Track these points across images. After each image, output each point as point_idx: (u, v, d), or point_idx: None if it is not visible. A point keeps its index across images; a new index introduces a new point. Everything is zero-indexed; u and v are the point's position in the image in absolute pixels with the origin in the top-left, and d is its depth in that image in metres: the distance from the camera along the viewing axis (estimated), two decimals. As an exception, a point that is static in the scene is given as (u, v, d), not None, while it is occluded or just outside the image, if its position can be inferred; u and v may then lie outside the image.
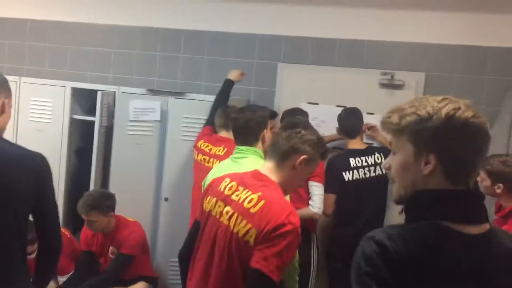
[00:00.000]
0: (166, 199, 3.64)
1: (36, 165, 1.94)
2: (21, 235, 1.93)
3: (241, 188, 1.73)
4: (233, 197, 1.73)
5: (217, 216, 1.75)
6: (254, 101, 3.96)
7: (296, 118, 2.20)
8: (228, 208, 1.72)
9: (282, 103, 3.85)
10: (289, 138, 1.80)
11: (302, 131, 1.81)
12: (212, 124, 3.29)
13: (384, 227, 1.14)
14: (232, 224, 1.68)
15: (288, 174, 1.78)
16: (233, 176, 1.84)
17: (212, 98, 3.49)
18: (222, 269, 1.68)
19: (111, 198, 3.24)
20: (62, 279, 3.39)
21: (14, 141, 3.74)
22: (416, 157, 1.12)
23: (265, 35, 3.97)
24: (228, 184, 1.80)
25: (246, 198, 1.69)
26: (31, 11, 4.32)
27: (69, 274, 3.37)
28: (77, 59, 4.27)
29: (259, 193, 1.67)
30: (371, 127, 3.61)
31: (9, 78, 3.80)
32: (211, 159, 3.09)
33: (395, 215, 1.83)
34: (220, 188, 1.81)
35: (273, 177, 1.77)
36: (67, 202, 3.83)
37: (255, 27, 3.97)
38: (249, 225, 1.62)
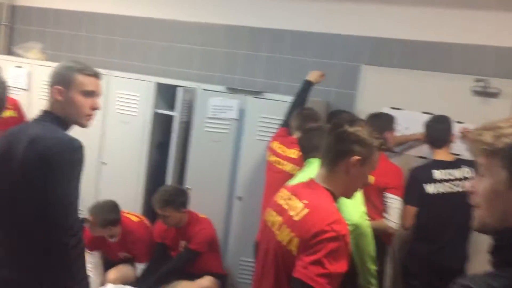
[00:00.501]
0: (239, 198, 3.65)
1: (46, 148, 1.80)
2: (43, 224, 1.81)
3: (292, 197, 1.66)
4: (284, 206, 1.67)
5: (271, 226, 1.70)
6: (334, 104, 3.84)
7: (338, 117, 2.03)
8: (279, 218, 1.66)
9: (364, 106, 3.70)
10: (335, 141, 1.63)
11: (347, 130, 1.62)
12: (288, 126, 3.23)
13: (484, 275, 0.95)
14: (278, 233, 1.62)
15: (344, 180, 1.63)
16: (289, 186, 1.78)
17: (290, 98, 3.43)
18: (271, 280, 1.62)
19: (185, 194, 3.31)
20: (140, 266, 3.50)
21: (100, 131, 4.02)
22: (510, 186, 0.97)
23: (349, 35, 3.84)
24: (283, 194, 1.73)
25: (293, 206, 1.61)
26: (122, 7, 4.52)
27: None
28: (163, 55, 4.40)
29: (305, 201, 1.58)
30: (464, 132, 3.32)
31: (100, 71, 4.07)
32: (284, 161, 3.03)
33: (482, 238, 1.61)
34: (277, 199, 1.75)
35: (327, 184, 1.63)
36: (146, 194, 3.96)
37: (338, 27, 3.85)
38: (292, 234, 1.53)
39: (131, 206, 3.88)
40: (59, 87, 1.91)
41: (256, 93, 3.65)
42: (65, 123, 1.93)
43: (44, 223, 1.80)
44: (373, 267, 2.23)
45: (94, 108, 1.96)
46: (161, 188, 3.37)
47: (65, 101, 1.91)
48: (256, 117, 3.56)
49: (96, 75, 1.97)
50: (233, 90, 3.70)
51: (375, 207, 2.84)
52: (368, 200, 2.42)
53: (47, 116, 1.93)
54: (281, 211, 1.68)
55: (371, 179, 2.89)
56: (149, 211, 3.99)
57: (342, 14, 3.85)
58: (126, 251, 3.45)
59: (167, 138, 3.87)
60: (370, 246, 2.22)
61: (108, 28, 4.58)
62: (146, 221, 3.61)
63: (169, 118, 3.82)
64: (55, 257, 1.82)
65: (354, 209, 2.13)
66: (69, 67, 1.95)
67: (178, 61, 4.34)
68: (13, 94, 3.88)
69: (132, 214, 3.55)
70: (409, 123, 3.58)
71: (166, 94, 3.93)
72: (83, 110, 1.93)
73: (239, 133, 3.62)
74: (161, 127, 3.99)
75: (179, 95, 3.70)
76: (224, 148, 3.65)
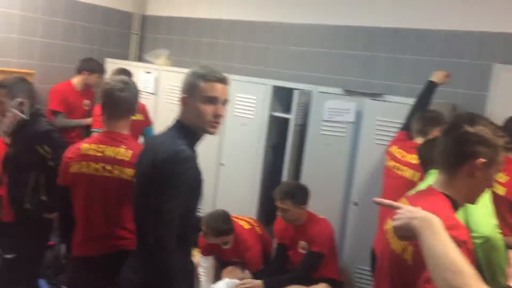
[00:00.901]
0: (355, 204, 3.53)
1: (157, 160, 1.85)
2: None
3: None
4: None
5: (386, 234, 1.61)
6: (461, 106, 3.55)
7: (455, 117, 1.79)
8: None
9: (496, 109, 3.37)
10: (455, 144, 1.48)
11: (468, 130, 1.46)
12: (409, 129, 3.05)
13: None
14: (392, 241, 1.52)
15: (467, 184, 1.48)
16: (409, 195, 1.66)
17: (412, 101, 3.24)
18: None
19: (306, 191, 3.29)
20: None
21: (221, 134, 4.16)
22: None
23: (481, 32, 3.52)
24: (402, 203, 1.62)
25: None
26: (242, 12, 4.64)
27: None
28: (280, 58, 4.43)
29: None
30: None
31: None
32: (403, 167, 2.87)
33: None
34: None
35: (447, 190, 1.49)
36: (262, 194, 4.01)
37: (467, 23, 3.55)
38: (405, 242, 1.42)
39: (247, 206, 3.96)
40: (184, 95, 1.92)
41: (375, 95, 3.51)
42: (192, 132, 1.93)
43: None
44: (503, 280, 2.03)
45: (218, 115, 1.90)
46: (284, 181, 3.40)
47: (189, 109, 1.91)
48: (374, 120, 3.42)
49: (220, 81, 1.91)
50: (350, 92, 3.60)
51: (505, 221, 2.56)
52: (497, 214, 2.18)
53: (176, 124, 1.96)
54: None
55: (502, 190, 2.61)
56: (265, 212, 4.05)
57: (469, 9, 3.55)
58: (238, 258, 3.51)
59: (282, 141, 3.88)
60: (503, 260, 2.04)
61: (229, 33, 4.73)
62: (257, 226, 3.63)
63: (285, 121, 3.83)
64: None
65: (485, 221, 1.96)
66: (193, 73, 1.93)
67: (294, 64, 4.34)
68: (142, 98, 4.17)
69: (244, 220, 3.59)
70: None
71: (282, 97, 3.95)
72: (205, 118, 1.88)
73: (356, 136, 3.50)
74: (277, 129, 4.02)
75: (295, 98, 3.69)
76: (340, 152, 3.56)
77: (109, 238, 2.34)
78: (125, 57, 5.22)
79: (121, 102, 2.35)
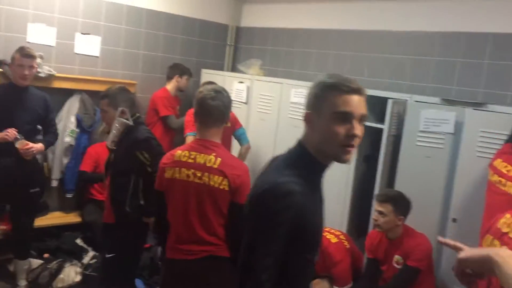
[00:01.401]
0: (454, 220, 3.31)
1: (254, 195, 1.54)
2: None
3: None
4: (505, 230, 1.41)
5: None
6: None
7: None
8: (496, 242, 1.41)
9: None
10: None
11: None
12: (516, 142, 2.80)
13: None
14: None
15: None
16: None
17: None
18: None
19: (408, 203, 3.17)
20: None
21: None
22: None
23: None
24: (506, 220, 1.47)
25: None
26: (334, 21, 4.59)
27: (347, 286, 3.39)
28: (373, 66, 4.31)
29: None
30: None
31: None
32: (508, 182, 2.63)
33: None
34: (497, 224, 1.50)
35: None
36: (352, 208, 3.91)
37: None
38: None
39: (337, 219, 3.88)
40: (308, 111, 1.55)
41: (477, 105, 3.28)
42: (314, 160, 1.54)
43: None
44: None
45: (352, 135, 1.46)
46: (386, 189, 3.36)
47: (314, 129, 1.52)
48: (475, 131, 3.19)
49: (355, 91, 1.49)
50: (449, 102, 3.40)
51: None
52: None
53: (295, 148, 1.59)
54: (500, 237, 1.44)
55: None
56: (355, 225, 3.94)
57: None
58: (325, 272, 3.43)
59: (375, 152, 3.75)
60: None
61: (321, 43, 4.70)
62: (346, 240, 3.53)
63: (378, 131, 3.70)
64: None
65: None
66: (320, 83, 1.53)
67: (389, 72, 4.20)
68: (235, 107, 4.26)
69: (332, 234, 3.51)
70: None
71: (375, 107, 3.82)
72: (336, 140, 1.47)
73: (455, 148, 3.29)
74: (369, 139, 3.89)
75: (389, 107, 3.55)
76: (438, 165, 3.36)
77: (200, 244, 2.41)
78: (220, 67, 5.39)
79: (213, 111, 2.41)
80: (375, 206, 3.20)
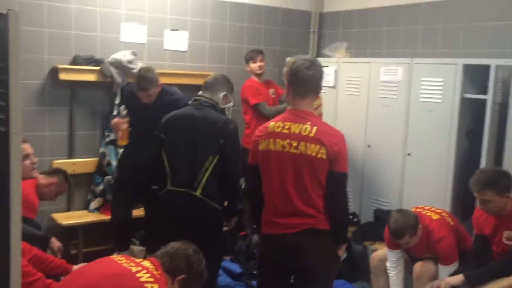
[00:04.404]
0: None
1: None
2: None
3: None
4: None
5: None
6: None
7: None
8: None
9: None
10: None
11: None
12: None
13: None
14: None
15: None
16: None
17: None
18: None
19: (508, 176, 2.88)
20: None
21: (404, 120, 3.94)
22: None
23: None
24: None
25: None
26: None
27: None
28: (469, 35, 4.02)
29: None
30: None
31: (403, 60, 3.97)
32: None
33: None
34: None
35: None
36: (455, 187, 3.66)
37: None
38: None
39: (439, 200, 3.65)
40: None
41: None
42: None
43: None
44: None
45: None
46: (479, 169, 3.03)
47: None
48: None
49: None
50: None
51: None
52: None
53: None
54: None
55: None
56: (461, 206, 3.68)
57: None
58: (430, 252, 3.23)
59: (478, 126, 3.49)
60: None
61: (409, 18, 4.48)
62: (449, 217, 3.30)
63: (481, 103, 3.44)
64: None
65: None
66: None
67: (488, 41, 3.88)
68: (322, 92, 4.17)
69: (433, 212, 3.29)
70: None
71: (476, 77, 3.56)
72: None
73: None
74: (470, 112, 3.63)
75: (492, 75, 3.29)
76: (553, 131, 3.05)
77: (298, 216, 2.35)
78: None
79: (307, 80, 2.35)
80: (475, 195, 2.94)
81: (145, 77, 3.61)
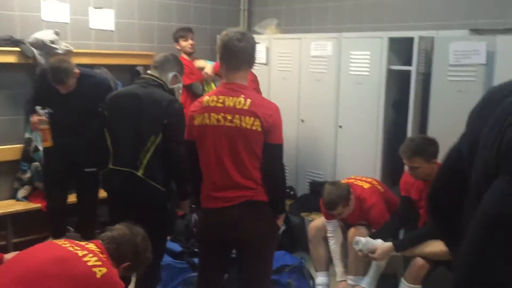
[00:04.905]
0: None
1: None
2: None
3: None
4: None
5: None
6: None
7: None
8: None
9: None
10: None
11: None
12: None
13: None
14: None
15: None
16: None
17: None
18: None
19: (435, 143, 3.04)
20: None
21: (335, 94, 4.04)
22: None
23: None
24: None
25: None
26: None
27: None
28: (394, 9, 4.17)
29: None
30: None
31: (332, 35, 4.05)
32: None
33: None
34: None
35: None
36: (384, 155, 3.82)
37: None
38: None
39: (370, 168, 3.80)
40: None
41: (508, 31, 3.15)
42: None
43: None
44: None
45: None
46: (408, 138, 3.18)
47: None
48: (509, 58, 3.06)
49: None
50: (478, 32, 3.27)
51: None
52: None
53: None
54: None
55: None
56: (389, 172, 3.85)
57: None
58: (363, 220, 3.37)
59: (404, 96, 3.65)
60: None
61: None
62: (379, 184, 3.47)
63: (405, 74, 3.60)
64: None
65: None
66: None
67: (411, 14, 4.05)
68: (254, 69, 4.19)
69: (363, 181, 3.45)
70: None
71: (401, 49, 3.71)
72: None
73: (488, 79, 3.16)
74: (397, 84, 3.79)
75: (415, 46, 3.44)
76: (472, 98, 3.18)
77: (236, 189, 2.36)
78: (235, 33, 5.29)
79: (239, 52, 2.34)
80: (405, 162, 3.09)
81: (58, 69, 3.27)
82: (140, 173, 2.79)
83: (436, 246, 2.85)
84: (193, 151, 2.45)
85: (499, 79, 3.07)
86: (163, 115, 2.77)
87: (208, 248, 2.54)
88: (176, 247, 3.53)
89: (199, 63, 4.55)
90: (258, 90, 4.15)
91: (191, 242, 3.69)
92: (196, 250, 3.43)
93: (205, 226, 2.53)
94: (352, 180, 3.44)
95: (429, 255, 2.94)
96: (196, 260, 3.31)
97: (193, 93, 4.38)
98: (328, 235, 3.47)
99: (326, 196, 3.22)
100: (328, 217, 3.42)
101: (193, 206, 3.79)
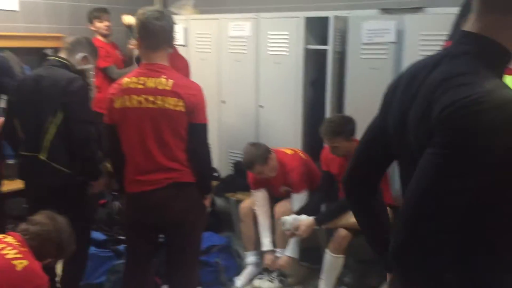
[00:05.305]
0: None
1: None
2: None
3: None
4: None
5: None
6: None
7: None
8: None
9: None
10: None
11: None
12: (456, 38, 2.87)
13: None
14: None
15: None
16: None
17: (456, 9, 3.04)
18: None
19: (352, 121, 3.17)
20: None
21: (255, 74, 4.07)
22: None
23: None
24: None
25: None
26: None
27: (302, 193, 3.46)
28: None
29: None
30: None
31: (250, 15, 4.06)
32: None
33: None
34: None
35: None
36: (304, 133, 3.93)
37: None
38: None
39: (291, 146, 3.88)
40: None
41: (415, 10, 3.33)
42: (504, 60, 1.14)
43: None
44: None
45: None
46: (326, 119, 3.29)
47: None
48: (416, 36, 3.25)
49: None
50: (387, 11, 3.43)
51: None
52: None
53: (474, 45, 1.12)
54: None
55: None
56: (310, 149, 3.97)
57: None
58: (285, 183, 3.50)
59: (322, 75, 3.76)
60: None
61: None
62: (302, 153, 3.64)
63: (322, 53, 3.70)
64: None
65: None
66: None
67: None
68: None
69: (288, 149, 3.61)
70: None
71: (318, 29, 3.80)
72: None
73: (398, 56, 3.34)
74: (314, 63, 3.89)
75: (331, 25, 3.54)
76: (384, 75, 3.39)
77: (162, 171, 2.32)
78: (151, 14, 5.13)
79: (158, 32, 2.28)
80: (325, 142, 3.20)
81: None
82: (43, 156, 2.64)
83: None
84: (114, 135, 2.36)
85: (408, 56, 3.28)
86: (61, 94, 2.61)
87: (136, 233, 2.49)
88: (99, 235, 3.42)
89: (128, 18, 4.22)
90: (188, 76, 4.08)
91: (114, 230, 3.59)
92: (120, 237, 3.35)
93: (131, 211, 2.47)
94: (277, 148, 3.56)
95: (351, 225, 3.09)
96: (121, 247, 3.24)
97: (109, 76, 4.22)
98: (256, 208, 3.54)
99: (244, 156, 3.36)
100: (256, 186, 3.49)
101: (114, 193, 3.70)
